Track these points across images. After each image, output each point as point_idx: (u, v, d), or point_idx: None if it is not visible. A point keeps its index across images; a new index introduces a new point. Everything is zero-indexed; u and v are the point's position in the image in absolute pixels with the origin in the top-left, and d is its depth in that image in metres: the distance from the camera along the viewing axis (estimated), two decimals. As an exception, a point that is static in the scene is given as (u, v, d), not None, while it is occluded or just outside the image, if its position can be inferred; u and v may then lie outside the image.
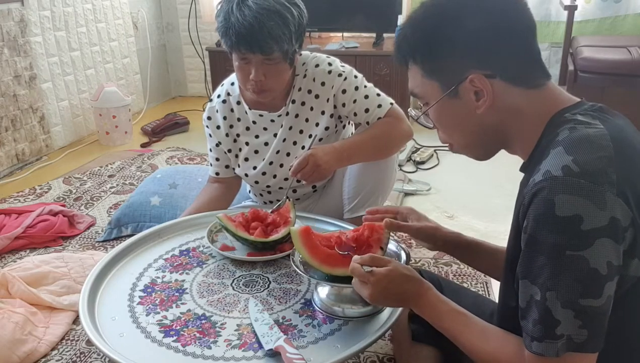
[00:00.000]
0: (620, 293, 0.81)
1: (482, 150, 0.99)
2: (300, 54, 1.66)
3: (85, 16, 3.35)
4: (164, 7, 4.16)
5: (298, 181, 1.63)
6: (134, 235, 1.58)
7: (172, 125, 3.51)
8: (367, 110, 1.65)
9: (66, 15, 3.20)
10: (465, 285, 1.82)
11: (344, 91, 1.65)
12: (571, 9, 2.96)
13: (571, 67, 2.96)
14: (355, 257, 1.07)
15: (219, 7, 1.55)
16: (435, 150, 3.04)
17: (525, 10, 0.91)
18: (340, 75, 1.66)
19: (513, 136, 0.93)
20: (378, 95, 1.67)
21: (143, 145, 3.32)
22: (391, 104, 1.67)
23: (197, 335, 1.17)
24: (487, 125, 0.93)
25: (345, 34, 3.81)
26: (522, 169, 0.95)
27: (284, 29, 1.50)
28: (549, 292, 0.78)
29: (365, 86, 1.67)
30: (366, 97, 1.65)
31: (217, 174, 1.83)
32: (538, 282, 0.80)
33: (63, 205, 2.39)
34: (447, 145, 1.02)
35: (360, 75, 1.69)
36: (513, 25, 0.89)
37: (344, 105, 1.67)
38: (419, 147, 3.05)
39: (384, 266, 1.02)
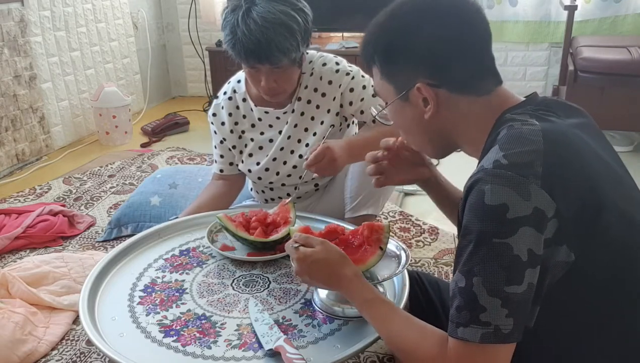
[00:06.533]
0: (556, 280, 0.83)
1: (433, 151, 1.06)
2: (307, 53, 1.66)
3: (85, 16, 3.35)
4: (164, 7, 4.16)
5: (300, 178, 1.63)
6: (134, 235, 1.58)
7: (172, 125, 3.51)
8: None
9: (66, 15, 3.20)
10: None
11: (351, 90, 1.66)
12: (571, 9, 2.96)
13: (571, 67, 2.96)
14: (295, 234, 1.12)
15: (224, 18, 1.54)
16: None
17: (478, 23, 0.95)
18: (347, 74, 1.67)
19: (462, 139, 0.99)
20: None
21: (143, 145, 3.32)
22: None
23: (197, 335, 1.17)
24: (436, 129, 0.98)
25: (345, 34, 3.81)
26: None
27: (291, 40, 1.50)
28: (475, 277, 0.81)
29: (372, 85, 1.68)
30: (374, 95, 1.66)
31: (221, 171, 1.84)
32: (464, 269, 0.83)
33: (63, 205, 2.39)
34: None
35: (367, 76, 1.70)
36: (466, 38, 0.93)
37: (350, 103, 1.67)
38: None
39: (312, 247, 1.07)
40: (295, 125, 1.71)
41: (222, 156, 1.82)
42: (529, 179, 0.80)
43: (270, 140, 1.74)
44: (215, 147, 1.83)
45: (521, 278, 0.79)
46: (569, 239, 0.82)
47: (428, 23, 0.93)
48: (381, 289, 1.25)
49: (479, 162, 0.95)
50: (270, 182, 1.79)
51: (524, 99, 0.96)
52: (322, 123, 1.70)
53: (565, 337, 0.87)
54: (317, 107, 1.69)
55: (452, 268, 0.88)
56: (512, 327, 0.80)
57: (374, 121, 1.68)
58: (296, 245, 1.09)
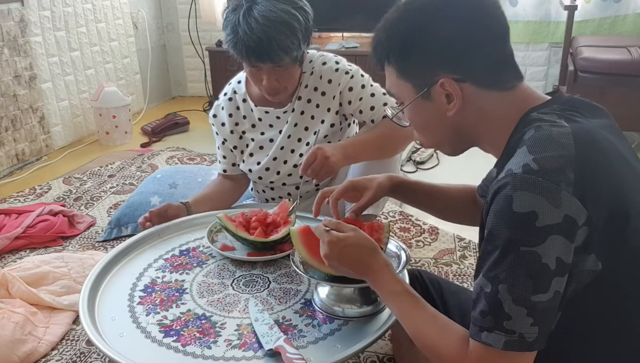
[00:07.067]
0: (581, 287, 0.82)
1: (452, 149, 1.02)
2: (308, 52, 1.67)
3: (85, 16, 3.35)
4: (164, 7, 4.16)
5: (301, 177, 1.63)
6: (134, 235, 1.58)
7: (172, 125, 3.51)
8: (372, 108, 1.66)
9: (66, 15, 3.20)
10: (465, 285, 1.82)
11: (350, 89, 1.67)
12: (571, 9, 2.96)
13: (571, 67, 2.96)
14: (325, 219, 1.12)
15: (225, 17, 1.55)
16: (435, 150, 3.04)
17: (498, 16, 0.93)
18: (347, 72, 1.67)
19: (484, 136, 0.96)
20: (384, 93, 1.69)
21: (143, 145, 3.32)
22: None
23: (197, 335, 1.17)
24: (459, 126, 0.95)
25: (345, 34, 3.81)
26: (495, 166, 0.97)
27: (292, 39, 1.51)
28: (501, 284, 0.79)
29: (371, 85, 1.69)
30: (372, 95, 1.67)
31: (224, 171, 1.85)
32: (490, 275, 0.81)
33: (63, 205, 2.39)
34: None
35: (367, 75, 1.71)
36: (485, 31, 0.91)
37: (349, 102, 1.68)
38: (419, 147, 3.05)
39: (344, 232, 1.05)
40: (296, 125, 1.71)
41: (224, 157, 1.83)
42: (560, 186, 0.77)
43: (271, 140, 1.75)
44: (218, 148, 1.83)
45: (548, 287, 0.78)
46: (599, 247, 0.80)
47: (445, 16, 0.90)
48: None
49: (498, 161, 0.93)
50: (271, 182, 1.79)
51: (549, 97, 0.93)
52: (322, 122, 1.70)
53: (584, 340, 0.86)
54: (317, 106, 1.69)
55: (474, 270, 0.86)
56: (536, 335, 0.79)
57: (373, 121, 1.69)
58: (327, 228, 1.06)
